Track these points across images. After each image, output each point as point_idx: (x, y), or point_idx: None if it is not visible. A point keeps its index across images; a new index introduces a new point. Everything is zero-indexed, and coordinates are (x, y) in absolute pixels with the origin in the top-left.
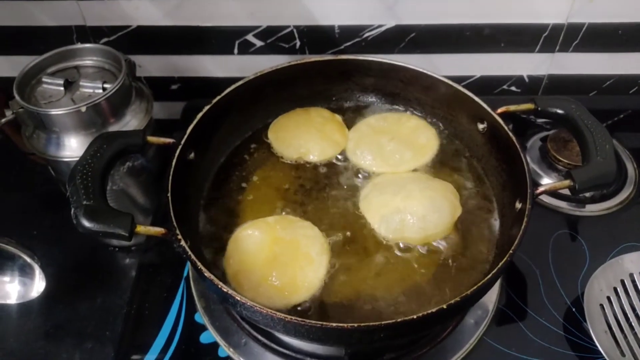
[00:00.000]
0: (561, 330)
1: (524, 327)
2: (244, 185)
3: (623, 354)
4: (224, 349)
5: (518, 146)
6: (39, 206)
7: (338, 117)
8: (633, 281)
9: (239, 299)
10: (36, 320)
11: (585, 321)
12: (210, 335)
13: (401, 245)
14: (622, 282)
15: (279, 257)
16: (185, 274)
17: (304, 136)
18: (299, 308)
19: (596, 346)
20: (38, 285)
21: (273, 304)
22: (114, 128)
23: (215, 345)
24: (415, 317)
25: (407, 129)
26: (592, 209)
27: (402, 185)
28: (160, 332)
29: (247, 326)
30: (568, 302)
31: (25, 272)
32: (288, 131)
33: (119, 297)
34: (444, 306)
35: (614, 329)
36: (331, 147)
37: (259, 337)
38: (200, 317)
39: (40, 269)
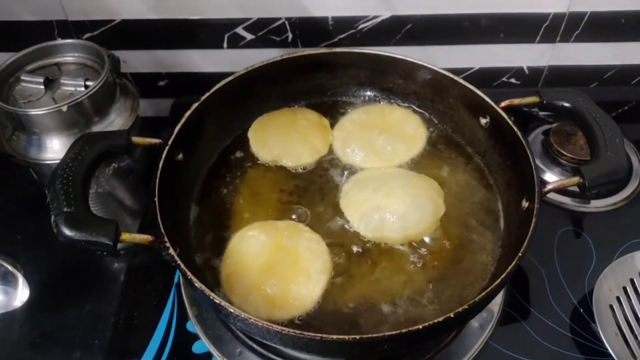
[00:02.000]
0: (568, 332)
1: (529, 329)
2: (236, 186)
3: (634, 357)
4: None
5: (524, 141)
6: (23, 210)
7: (325, 122)
8: None
9: (232, 310)
10: (22, 329)
11: (594, 322)
12: (203, 345)
13: (398, 247)
14: (632, 281)
15: (277, 266)
16: (176, 280)
17: (282, 138)
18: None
19: (606, 348)
20: (22, 294)
21: (258, 314)
22: (98, 128)
23: (208, 356)
24: (420, 327)
25: (392, 120)
26: (598, 205)
27: (383, 181)
28: (150, 342)
29: (242, 335)
30: (575, 302)
31: (8, 280)
32: (267, 131)
33: (108, 304)
34: (451, 315)
35: (624, 330)
36: (308, 153)
37: (255, 346)
38: (193, 325)
39: (23, 277)
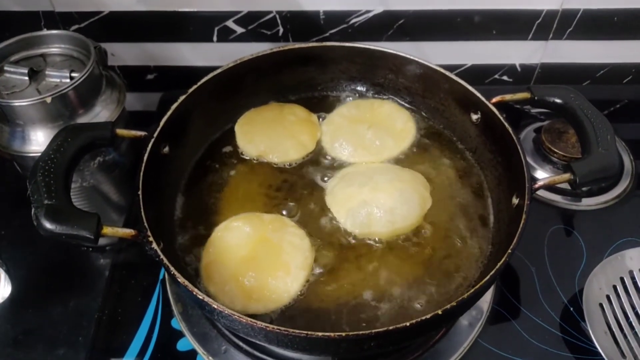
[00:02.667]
0: (558, 330)
1: (519, 328)
2: (223, 181)
3: (624, 356)
4: (203, 357)
5: (514, 137)
6: (6, 204)
7: (314, 118)
8: (633, 279)
9: (215, 307)
10: (3, 326)
11: (583, 321)
12: (187, 342)
13: (385, 242)
14: (622, 279)
15: (257, 258)
16: (161, 277)
17: (269, 133)
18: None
19: (595, 347)
20: (3, 290)
21: (233, 306)
22: (83, 120)
23: (193, 353)
24: (408, 324)
25: (381, 114)
26: (589, 203)
27: (369, 176)
28: (134, 339)
29: (227, 333)
30: (565, 300)
31: None
32: (253, 125)
33: (92, 300)
34: (439, 312)
35: (614, 329)
36: (295, 149)
37: (241, 344)
38: (177, 322)
39: (5, 273)
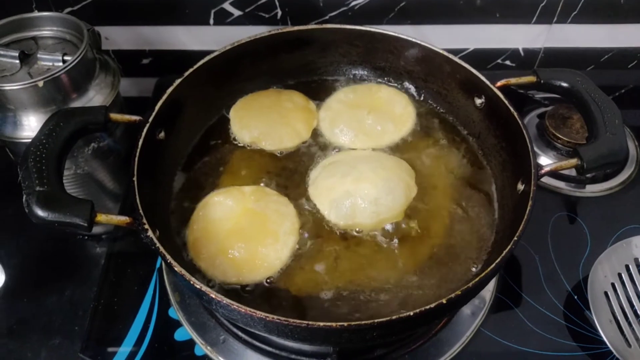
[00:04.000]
0: (562, 319)
1: (523, 317)
2: (220, 167)
3: (629, 344)
4: (201, 347)
5: (520, 122)
6: (0, 193)
7: (312, 105)
8: (638, 266)
9: (213, 296)
10: None
11: (588, 309)
12: (185, 332)
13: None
14: (627, 267)
15: (244, 230)
16: (158, 265)
17: (263, 120)
18: (247, 288)
19: (600, 336)
20: None
21: (226, 279)
22: (76, 104)
23: (191, 343)
24: (411, 313)
25: (380, 99)
26: (593, 190)
27: (352, 165)
28: (131, 329)
29: (225, 322)
30: (569, 288)
31: None
32: (248, 111)
33: (88, 289)
34: (444, 301)
35: (619, 318)
36: (289, 137)
37: (239, 333)
38: (175, 312)
39: None
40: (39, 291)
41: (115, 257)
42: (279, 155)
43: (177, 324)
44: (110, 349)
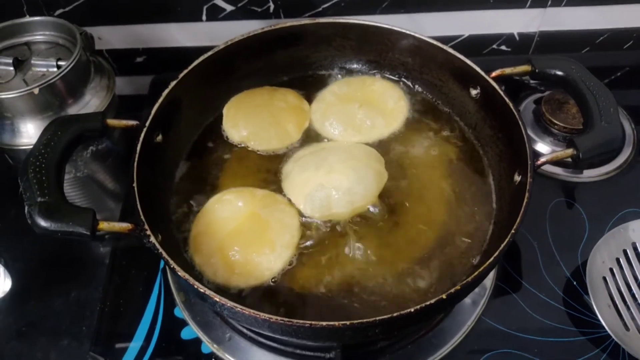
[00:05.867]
0: (562, 305)
1: (522, 304)
2: (219, 167)
3: (627, 328)
4: (207, 345)
5: (515, 113)
6: (2, 196)
7: (305, 105)
8: (636, 250)
9: (217, 299)
10: (6, 320)
11: (587, 294)
12: (191, 330)
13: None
14: (625, 252)
15: (245, 233)
16: (162, 265)
17: (253, 119)
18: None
19: (599, 321)
20: (3, 284)
21: (215, 278)
22: (73, 109)
23: (197, 341)
24: (412, 310)
25: (373, 92)
26: (590, 175)
27: (323, 157)
28: (138, 328)
29: (231, 320)
30: (568, 274)
31: None
32: (240, 109)
33: (94, 290)
34: (444, 296)
35: (617, 302)
36: (278, 138)
37: (245, 331)
38: (180, 311)
39: (4, 267)
40: (46, 293)
41: (120, 258)
42: (270, 154)
43: (184, 323)
44: (118, 350)
